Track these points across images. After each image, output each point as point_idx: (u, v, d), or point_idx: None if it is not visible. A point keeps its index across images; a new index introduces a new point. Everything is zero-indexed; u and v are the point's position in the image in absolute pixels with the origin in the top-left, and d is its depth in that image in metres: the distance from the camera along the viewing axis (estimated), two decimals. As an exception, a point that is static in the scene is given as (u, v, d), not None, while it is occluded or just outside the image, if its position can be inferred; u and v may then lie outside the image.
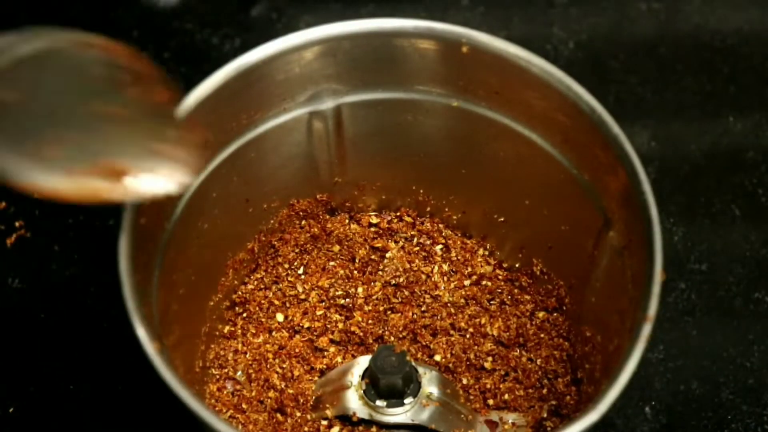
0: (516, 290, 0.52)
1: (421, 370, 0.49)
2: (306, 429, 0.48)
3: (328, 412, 0.48)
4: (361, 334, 0.51)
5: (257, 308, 0.52)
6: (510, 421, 0.49)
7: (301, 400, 0.49)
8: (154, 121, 0.38)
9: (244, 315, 0.52)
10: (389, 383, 0.47)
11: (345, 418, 0.48)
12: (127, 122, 0.37)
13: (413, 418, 0.48)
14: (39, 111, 0.36)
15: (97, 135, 0.37)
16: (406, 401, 0.48)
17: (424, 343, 0.51)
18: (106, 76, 0.38)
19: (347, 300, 0.52)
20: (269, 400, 0.49)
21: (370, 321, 0.51)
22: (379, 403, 0.48)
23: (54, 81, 0.37)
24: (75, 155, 0.36)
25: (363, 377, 0.48)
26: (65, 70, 0.37)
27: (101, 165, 0.36)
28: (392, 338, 0.51)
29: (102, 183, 0.36)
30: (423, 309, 0.52)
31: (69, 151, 0.36)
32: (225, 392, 0.49)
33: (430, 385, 0.49)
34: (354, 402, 0.48)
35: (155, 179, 0.37)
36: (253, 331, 0.51)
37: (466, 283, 0.53)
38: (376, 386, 0.48)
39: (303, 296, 0.52)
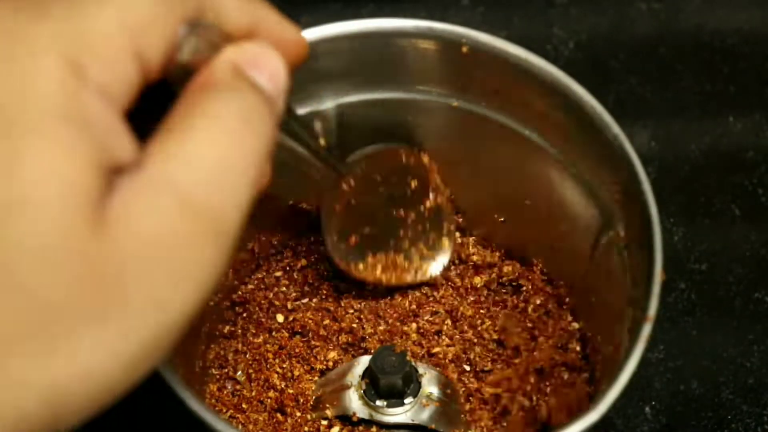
0: (516, 290, 0.52)
1: (421, 370, 0.49)
2: (306, 429, 0.48)
3: (328, 412, 0.48)
4: (370, 348, 0.51)
5: (257, 308, 0.52)
6: (510, 421, 0.49)
7: (301, 400, 0.49)
8: (430, 223, 0.50)
9: (244, 315, 0.52)
10: (389, 383, 0.47)
11: (345, 418, 0.48)
12: (411, 225, 0.49)
13: (413, 418, 0.48)
14: (360, 207, 0.48)
15: (391, 233, 0.49)
16: (406, 401, 0.48)
17: (424, 344, 0.51)
18: (403, 182, 0.49)
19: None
20: (269, 400, 0.49)
21: (382, 338, 0.51)
22: (379, 403, 0.48)
23: (374, 183, 0.48)
24: (371, 249, 0.49)
25: (363, 377, 0.48)
26: (384, 174, 0.48)
27: (389, 260, 0.49)
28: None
29: (385, 272, 0.49)
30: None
31: (367, 244, 0.49)
32: (225, 392, 0.49)
33: (430, 385, 0.49)
34: (354, 402, 0.48)
35: (431, 268, 0.50)
36: (254, 331, 0.51)
37: (467, 283, 0.53)
38: (376, 386, 0.48)
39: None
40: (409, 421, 0.48)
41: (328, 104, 0.48)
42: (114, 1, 0.26)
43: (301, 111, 0.48)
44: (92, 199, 0.24)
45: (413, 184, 0.49)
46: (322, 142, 0.42)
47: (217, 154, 0.26)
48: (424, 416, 0.48)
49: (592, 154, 0.45)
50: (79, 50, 0.25)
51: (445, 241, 0.50)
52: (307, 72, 0.47)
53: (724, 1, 0.68)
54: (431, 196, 0.49)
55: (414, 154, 0.49)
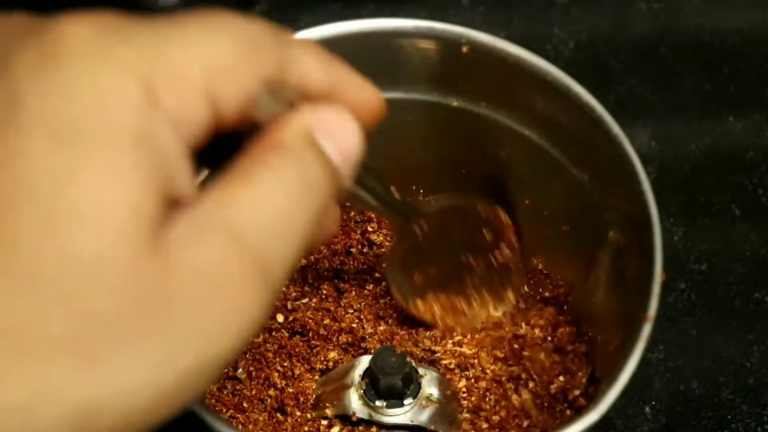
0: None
1: (421, 371, 0.49)
2: (306, 429, 0.48)
3: (328, 411, 0.48)
4: (370, 348, 0.51)
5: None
6: (510, 422, 0.49)
7: (302, 399, 0.49)
8: (497, 275, 0.50)
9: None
10: (389, 384, 0.47)
11: (345, 418, 0.48)
12: (478, 274, 0.50)
13: (413, 419, 0.48)
14: (429, 248, 0.48)
15: (456, 279, 0.49)
16: (405, 402, 0.48)
17: (424, 345, 0.51)
18: (477, 233, 0.49)
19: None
20: (269, 399, 0.49)
21: (382, 338, 0.51)
22: (378, 403, 0.48)
23: (447, 229, 0.49)
24: (432, 289, 0.49)
25: (363, 377, 0.48)
26: (458, 222, 0.49)
27: (449, 303, 0.50)
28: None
29: (442, 315, 0.50)
30: (424, 310, 0.52)
31: (429, 284, 0.49)
32: (225, 392, 0.49)
33: (429, 386, 0.48)
34: (354, 402, 0.48)
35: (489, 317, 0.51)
36: (253, 331, 0.51)
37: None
38: (376, 386, 0.48)
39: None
40: (409, 422, 0.48)
41: (328, 104, 0.48)
42: (198, 42, 0.26)
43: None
44: (152, 222, 0.24)
45: (487, 236, 0.50)
46: (395, 194, 0.43)
47: (275, 209, 0.26)
48: (423, 417, 0.48)
49: (592, 154, 0.45)
50: (157, 79, 0.25)
51: (510, 296, 0.51)
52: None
53: (724, 1, 0.68)
54: (504, 251, 0.49)
55: (491, 209, 0.50)
